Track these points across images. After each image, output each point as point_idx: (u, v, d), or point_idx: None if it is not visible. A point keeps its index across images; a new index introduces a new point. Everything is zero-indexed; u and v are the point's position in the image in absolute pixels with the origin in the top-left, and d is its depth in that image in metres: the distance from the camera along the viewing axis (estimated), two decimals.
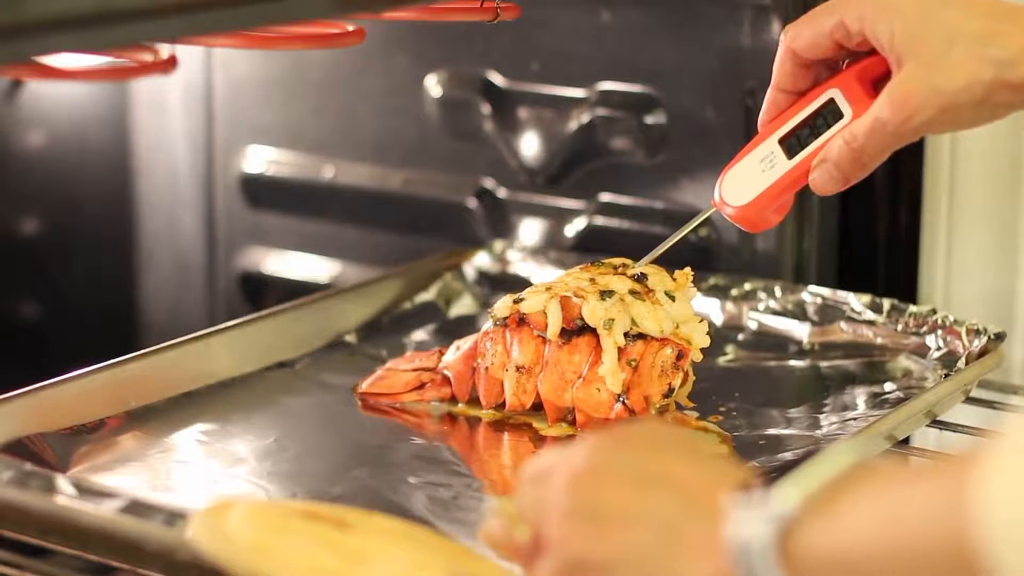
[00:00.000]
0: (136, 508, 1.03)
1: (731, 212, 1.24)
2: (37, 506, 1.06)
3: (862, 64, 1.20)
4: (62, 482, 1.07)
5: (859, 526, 0.82)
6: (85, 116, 1.92)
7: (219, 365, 1.37)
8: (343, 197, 1.80)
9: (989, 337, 1.37)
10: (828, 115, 1.20)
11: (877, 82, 1.19)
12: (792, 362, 1.44)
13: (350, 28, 1.22)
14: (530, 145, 1.68)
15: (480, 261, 1.61)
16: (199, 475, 1.23)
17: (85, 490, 1.06)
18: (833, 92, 1.21)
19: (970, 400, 1.36)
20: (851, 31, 1.17)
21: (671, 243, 1.32)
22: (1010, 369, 1.51)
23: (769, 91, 1.23)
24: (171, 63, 1.06)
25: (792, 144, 1.22)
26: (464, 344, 1.35)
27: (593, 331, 1.29)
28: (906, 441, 1.32)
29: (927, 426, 1.32)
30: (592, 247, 1.63)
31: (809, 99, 1.22)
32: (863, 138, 1.16)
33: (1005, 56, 1.11)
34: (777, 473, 1.18)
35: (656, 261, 1.34)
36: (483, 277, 1.60)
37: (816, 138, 1.21)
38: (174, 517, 1.01)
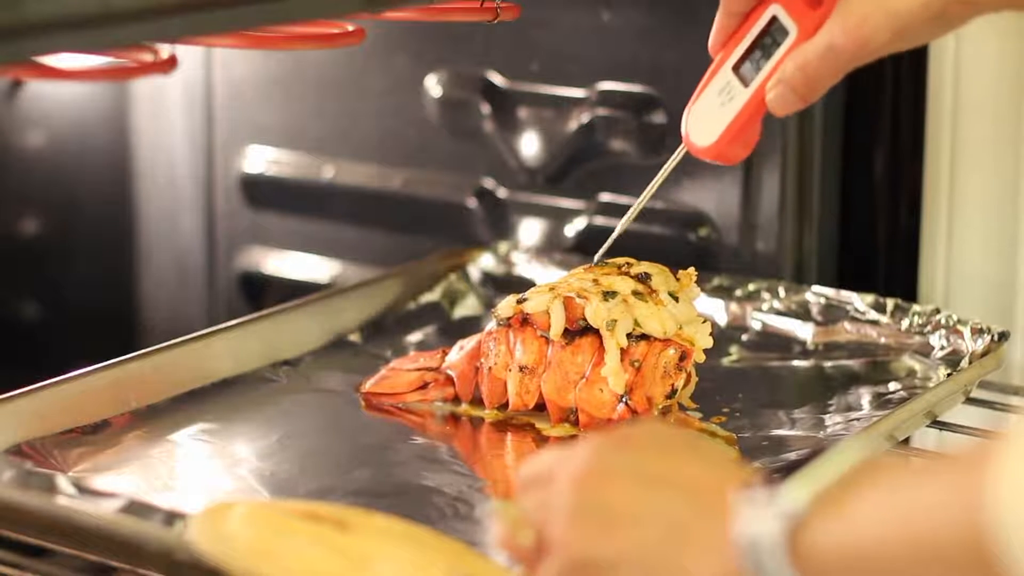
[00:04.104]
0: (136, 508, 1.03)
1: (700, 151, 1.23)
2: (37, 506, 1.06)
3: None
4: (62, 482, 1.07)
5: (869, 522, 0.82)
6: (85, 116, 1.91)
7: (220, 364, 1.37)
8: (343, 197, 1.79)
9: (992, 337, 1.37)
10: (775, 34, 1.18)
11: None
12: (796, 362, 1.43)
13: (350, 28, 1.22)
14: (530, 145, 1.67)
15: (485, 263, 1.61)
16: (200, 475, 1.22)
17: (85, 490, 1.06)
18: (775, 8, 1.18)
19: (970, 400, 1.36)
20: None
21: (649, 194, 1.31)
22: (1010, 369, 1.50)
23: (718, 16, 1.21)
24: (171, 63, 1.06)
25: (746, 70, 1.20)
26: (467, 344, 1.35)
27: (596, 331, 1.28)
28: (907, 442, 1.32)
29: (927, 427, 1.32)
30: (592, 247, 1.62)
31: (753, 20, 1.20)
32: (817, 63, 1.13)
33: None
34: (781, 474, 1.18)
35: (654, 260, 1.34)
36: (488, 279, 1.60)
37: (767, 60, 1.19)
38: (174, 517, 1.01)
